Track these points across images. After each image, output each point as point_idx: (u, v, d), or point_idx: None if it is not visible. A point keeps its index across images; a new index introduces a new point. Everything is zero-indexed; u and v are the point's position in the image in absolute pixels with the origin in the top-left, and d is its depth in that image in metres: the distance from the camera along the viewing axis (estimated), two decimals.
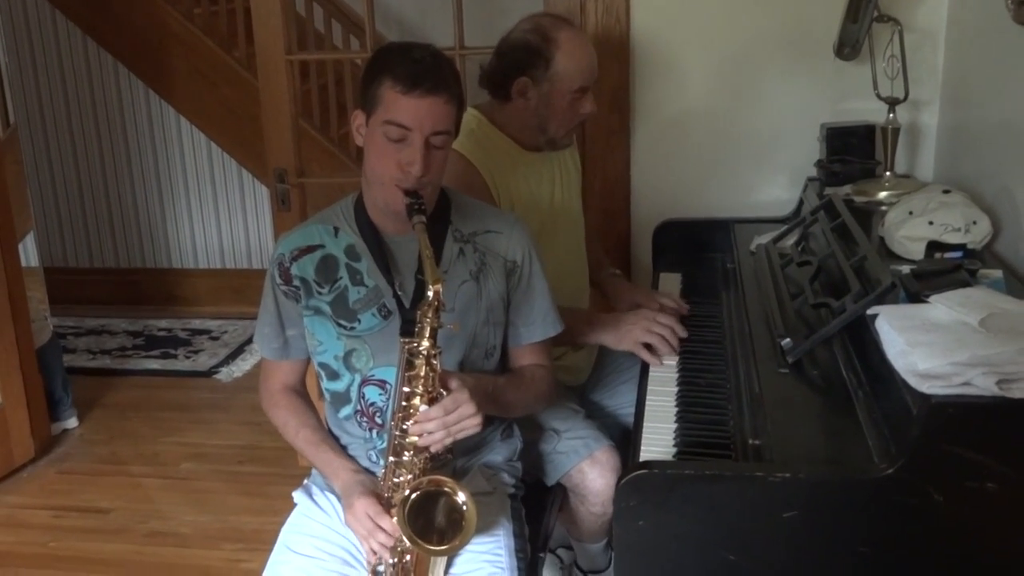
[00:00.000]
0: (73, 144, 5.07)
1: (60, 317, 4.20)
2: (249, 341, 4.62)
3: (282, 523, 1.99)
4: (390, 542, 1.76)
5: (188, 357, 4.54)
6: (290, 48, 3.06)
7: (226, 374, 4.34)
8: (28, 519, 3.25)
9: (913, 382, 1.44)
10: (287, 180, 3.12)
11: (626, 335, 2.21)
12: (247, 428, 3.79)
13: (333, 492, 1.94)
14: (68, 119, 5.03)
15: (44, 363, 3.68)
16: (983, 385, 1.39)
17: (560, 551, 2.56)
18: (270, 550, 1.95)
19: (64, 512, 3.28)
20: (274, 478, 3.40)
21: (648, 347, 2.18)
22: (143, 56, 4.78)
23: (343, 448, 1.96)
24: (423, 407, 1.71)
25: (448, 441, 1.72)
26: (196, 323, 4.94)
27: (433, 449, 1.74)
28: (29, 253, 3.71)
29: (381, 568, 1.80)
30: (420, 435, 1.70)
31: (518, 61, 2.23)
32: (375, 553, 1.79)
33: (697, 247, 2.72)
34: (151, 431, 3.83)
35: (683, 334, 2.19)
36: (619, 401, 2.46)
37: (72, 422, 3.86)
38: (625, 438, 2.29)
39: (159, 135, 4.98)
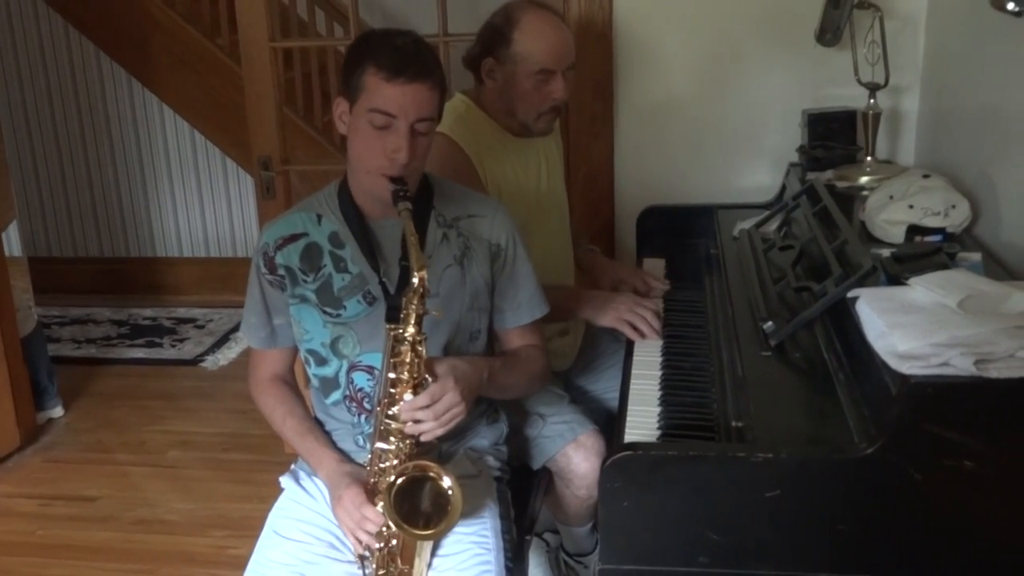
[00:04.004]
0: (56, 133, 5.04)
1: (44, 307, 4.19)
2: (234, 329, 4.62)
3: (269, 509, 2.00)
4: (375, 530, 1.77)
5: (173, 346, 4.54)
6: (274, 36, 3.06)
7: (212, 362, 4.34)
8: (14, 508, 3.25)
9: (892, 363, 1.46)
10: (272, 168, 3.12)
11: (610, 310, 2.25)
12: (233, 416, 3.80)
13: (319, 477, 1.95)
14: (51, 108, 5.01)
15: (29, 352, 3.67)
16: (961, 365, 1.41)
17: (546, 535, 2.58)
18: (256, 536, 1.95)
19: (51, 501, 3.28)
20: (260, 465, 3.40)
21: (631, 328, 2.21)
22: (125, 45, 4.75)
23: (329, 435, 1.97)
24: (408, 395, 1.73)
25: (439, 432, 1.74)
26: (181, 312, 4.94)
27: (424, 439, 1.75)
28: (12, 242, 3.70)
29: (367, 554, 1.82)
30: (407, 423, 1.72)
31: (484, 42, 2.26)
32: (361, 543, 1.80)
33: (681, 233, 2.74)
34: (137, 419, 3.83)
35: (657, 326, 2.21)
36: (604, 386, 2.48)
37: (58, 411, 3.85)
38: (609, 422, 2.31)
39: (142, 124, 4.96)
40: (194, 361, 4.37)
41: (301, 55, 4.66)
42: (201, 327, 4.73)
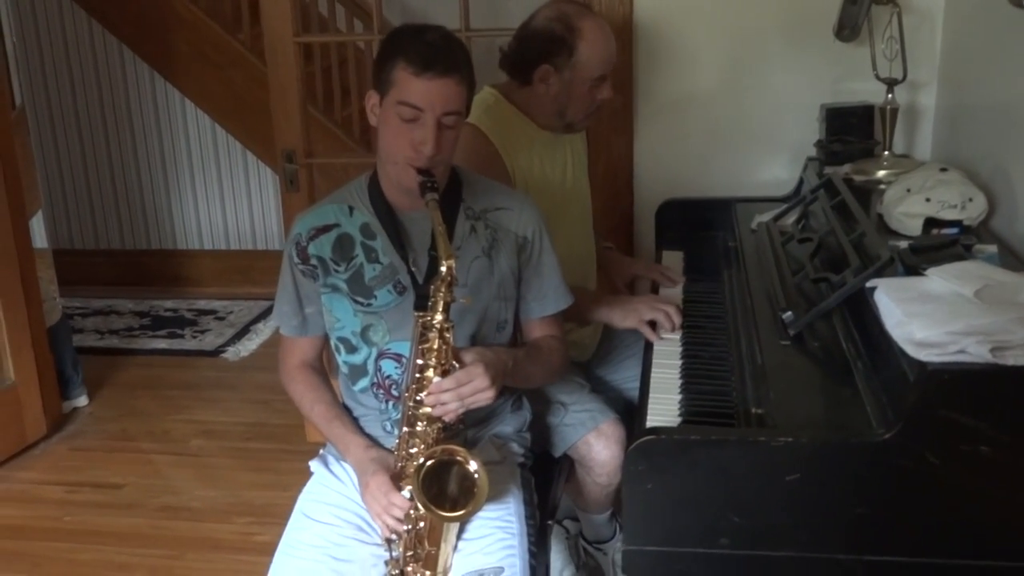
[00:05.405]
0: (79, 127, 5.11)
1: (67, 298, 4.25)
2: (255, 321, 4.69)
3: (292, 497, 2.04)
4: (402, 515, 1.82)
5: (195, 337, 4.60)
6: (298, 31, 3.11)
7: (233, 353, 4.39)
8: (42, 494, 3.31)
9: (910, 350, 1.50)
10: (295, 161, 3.17)
11: (631, 313, 2.28)
12: (255, 406, 3.86)
13: (347, 462, 2.00)
14: (74, 102, 5.07)
15: (54, 342, 3.74)
16: (977, 353, 1.45)
17: (566, 522, 2.62)
18: (280, 523, 2.00)
19: (77, 487, 3.34)
20: (282, 454, 3.46)
21: (651, 326, 2.25)
22: (148, 39, 4.81)
23: (357, 420, 2.02)
24: (436, 379, 1.77)
25: (461, 411, 1.79)
26: (202, 303, 5.00)
27: (446, 419, 1.80)
28: (37, 234, 3.75)
29: (394, 537, 1.87)
30: (434, 405, 1.77)
31: (541, 49, 2.27)
32: (389, 528, 1.85)
33: (699, 225, 2.78)
34: (160, 409, 3.89)
35: (679, 321, 2.25)
36: (623, 375, 2.52)
37: (82, 400, 3.91)
38: (629, 411, 2.35)
39: (164, 117, 5.02)
40: (215, 352, 4.42)
41: (321, 50, 4.71)
42: (222, 319, 4.79)
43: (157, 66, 4.90)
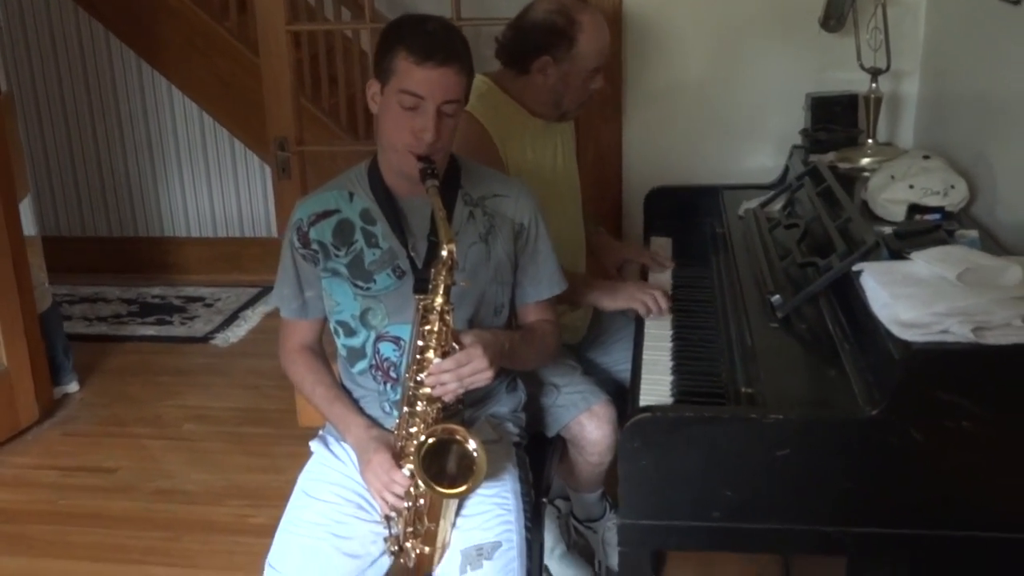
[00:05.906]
0: (65, 114, 5.10)
1: (54, 285, 4.24)
2: (244, 308, 4.71)
3: (285, 480, 2.09)
4: (403, 492, 1.87)
5: (183, 323, 4.62)
6: (289, 19, 3.14)
7: (222, 340, 4.41)
8: (37, 479, 3.33)
9: (895, 331, 1.56)
10: (287, 148, 3.20)
11: (621, 293, 2.34)
12: (246, 391, 3.89)
13: (347, 442, 2.05)
14: (60, 89, 5.06)
15: (45, 329, 3.75)
16: (960, 332, 1.52)
17: (558, 502, 2.67)
18: (274, 505, 2.04)
19: (71, 472, 3.36)
20: (275, 438, 3.49)
21: None
22: (135, 26, 4.80)
23: (356, 402, 2.06)
24: (436, 360, 1.82)
25: (460, 391, 1.84)
26: (189, 290, 5.01)
27: (446, 399, 1.85)
28: (25, 221, 3.75)
29: (394, 514, 1.92)
30: (434, 385, 1.82)
31: (541, 40, 2.32)
32: (389, 505, 1.90)
33: (687, 212, 2.83)
34: (151, 394, 3.91)
35: (665, 305, 2.30)
36: (614, 358, 2.57)
37: (73, 386, 3.93)
38: (619, 393, 2.40)
39: (151, 105, 5.02)
40: (204, 338, 4.44)
41: (308, 38, 4.72)
42: (210, 305, 4.81)
43: (144, 53, 4.89)
